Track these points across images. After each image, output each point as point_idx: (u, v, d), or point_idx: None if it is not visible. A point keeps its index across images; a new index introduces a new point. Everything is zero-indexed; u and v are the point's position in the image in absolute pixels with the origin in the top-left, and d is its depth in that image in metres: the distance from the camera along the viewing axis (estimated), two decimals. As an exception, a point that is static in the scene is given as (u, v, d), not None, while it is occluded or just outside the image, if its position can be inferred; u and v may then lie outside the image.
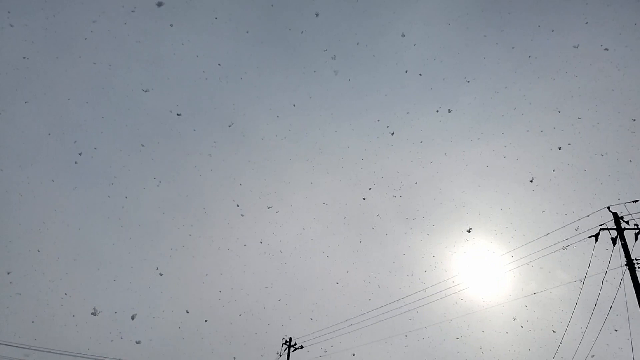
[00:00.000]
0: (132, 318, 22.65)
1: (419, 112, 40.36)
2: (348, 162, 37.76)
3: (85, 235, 33.55)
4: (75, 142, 32.88)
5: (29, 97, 33.37)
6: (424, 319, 24.63)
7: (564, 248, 16.72)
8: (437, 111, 32.67)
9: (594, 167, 30.52)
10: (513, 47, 33.82)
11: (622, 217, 15.51)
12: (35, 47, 32.27)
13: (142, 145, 34.84)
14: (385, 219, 37.50)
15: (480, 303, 23.96)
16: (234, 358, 27.59)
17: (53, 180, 32.68)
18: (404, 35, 27.14)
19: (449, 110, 28.50)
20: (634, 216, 15.31)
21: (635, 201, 15.36)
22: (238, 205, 29.12)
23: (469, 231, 21.35)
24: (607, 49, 25.06)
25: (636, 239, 15.16)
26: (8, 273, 23.73)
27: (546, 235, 17.54)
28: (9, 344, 22.89)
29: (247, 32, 37.74)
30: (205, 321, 25.62)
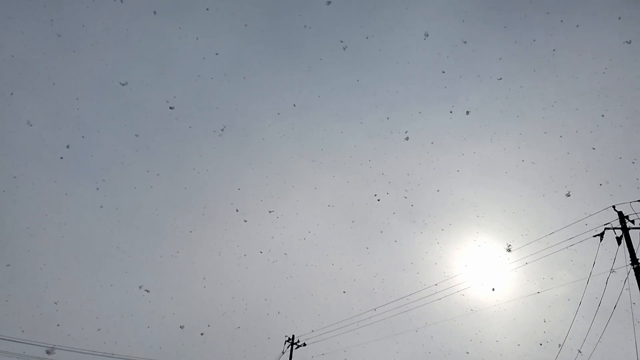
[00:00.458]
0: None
1: (431, 110, 39.48)
2: (355, 162, 37.22)
3: (84, 235, 33.61)
4: (75, 141, 32.96)
5: (29, 95, 33.51)
6: (428, 317, 24.61)
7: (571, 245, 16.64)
8: (451, 112, 31.71)
9: (598, 166, 30.28)
10: (534, 40, 32.26)
11: (627, 217, 15.40)
12: (38, 44, 32.38)
13: (138, 138, 34.53)
14: (392, 221, 37.15)
15: (483, 302, 23.91)
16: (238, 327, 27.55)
17: (55, 181, 32.83)
18: (428, 35, 26.12)
19: (467, 112, 27.48)
20: (640, 215, 15.21)
21: (641, 200, 15.24)
22: (237, 211, 28.87)
23: (508, 250, 19.28)
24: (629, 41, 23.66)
25: (641, 238, 15.06)
26: (7, 265, 23.89)
27: (551, 234, 17.47)
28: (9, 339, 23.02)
29: (246, 25, 37.06)
30: (208, 326, 25.62)
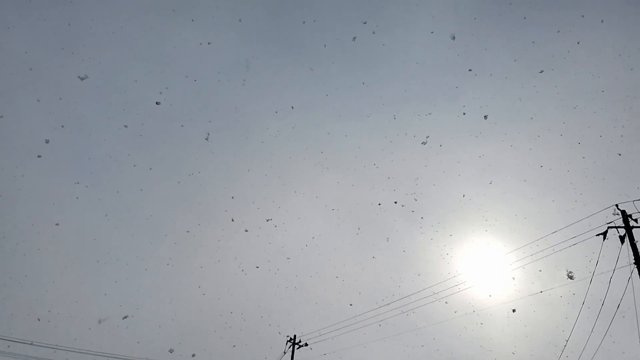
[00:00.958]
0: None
1: (440, 111, 38.26)
2: (359, 164, 36.30)
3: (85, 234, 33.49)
4: (75, 141, 32.91)
5: (29, 95, 33.45)
6: (429, 318, 24.57)
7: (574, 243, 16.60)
8: (464, 114, 30.33)
9: (602, 165, 30.14)
10: (552, 35, 30.70)
11: (630, 215, 15.36)
12: (41, 44, 32.32)
13: (139, 137, 34.34)
14: (398, 222, 36.61)
15: (485, 302, 23.86)
16: (234, 346, 27.48)
17: (55, 182, 32.74)
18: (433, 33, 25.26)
19: (485, 116, 26.43)
20: (643, 214, 15.16)
21: (644, 199, 15.20)
22: (233, 220, 28.53)
23: (570, 277, 18.19)
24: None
25: (645, 237, 15.02)
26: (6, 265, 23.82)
27: (553, 232, 17.42)
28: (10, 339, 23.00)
29: (240, 20, 36.19)
30: (213, 331, 25.51)
